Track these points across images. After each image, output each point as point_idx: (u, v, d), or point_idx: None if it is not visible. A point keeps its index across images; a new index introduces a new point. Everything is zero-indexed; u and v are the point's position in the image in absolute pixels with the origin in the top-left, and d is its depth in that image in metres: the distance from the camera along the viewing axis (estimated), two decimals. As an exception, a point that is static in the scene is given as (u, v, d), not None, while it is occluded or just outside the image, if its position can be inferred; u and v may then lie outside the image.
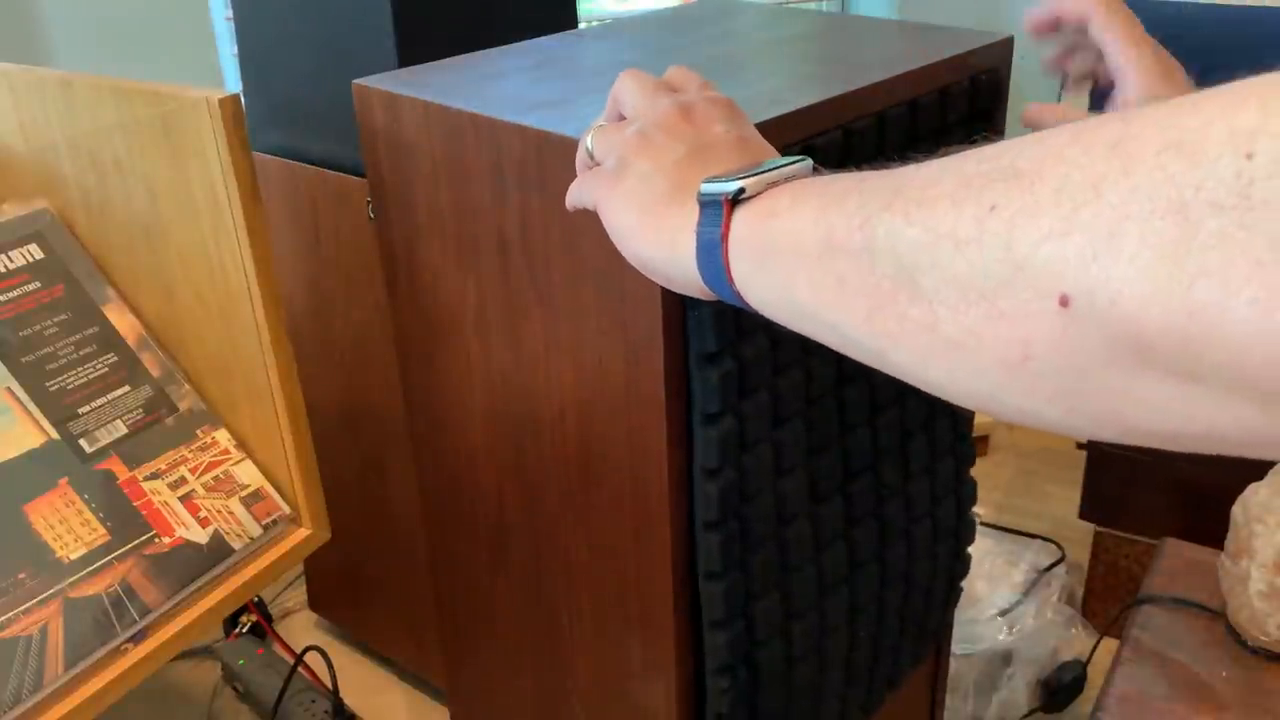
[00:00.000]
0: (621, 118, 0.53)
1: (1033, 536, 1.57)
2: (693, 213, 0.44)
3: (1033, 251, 0.29)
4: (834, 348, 0.40)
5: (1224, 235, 0.25)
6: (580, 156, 0.54)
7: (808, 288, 0.39)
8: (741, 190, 0.42)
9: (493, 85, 0.70)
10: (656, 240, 0.46)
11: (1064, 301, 0.29)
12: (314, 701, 1.07)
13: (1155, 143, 0.27)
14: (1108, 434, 0.32)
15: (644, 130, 0.49)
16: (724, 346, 0.62)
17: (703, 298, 0.45)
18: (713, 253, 0.42)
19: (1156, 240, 0.26)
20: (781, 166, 0.43)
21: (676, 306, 0.60)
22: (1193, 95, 0.28)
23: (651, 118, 0.49)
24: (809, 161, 0.44)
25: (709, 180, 0.43)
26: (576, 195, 0.53)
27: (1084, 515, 1.44)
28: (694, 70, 0.56)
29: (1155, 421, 0.29)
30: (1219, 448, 0.29)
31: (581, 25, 1.22)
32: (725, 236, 0.42)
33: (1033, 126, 0.72)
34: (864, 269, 0.36)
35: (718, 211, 0.42)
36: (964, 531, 0.93)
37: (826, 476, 0.73)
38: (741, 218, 0.42)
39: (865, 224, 0.36)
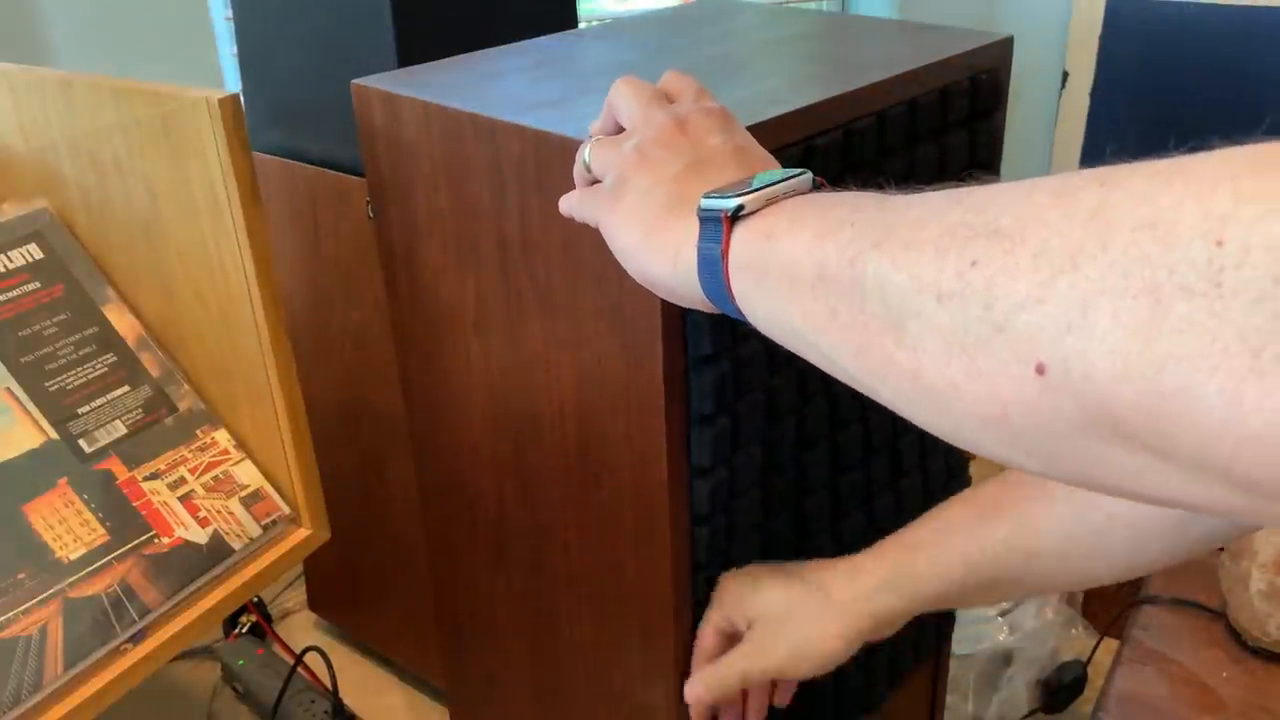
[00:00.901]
0: (617, 126, 0.53)
1: (1033, 536, 1.57)
2: (693, 227, 0.44)
3: (1012, 315, 0.29)
4: (828, 372, 0.40)
5: (1194, 321, 0.25)
6: (578, 169, 0.54)
7: (802, 315, 0.39)
8: (741, 207, 0.42)
9: (492, 85, 0.70)
10: (660, 256, 0.46)
11: (1040, 369, 0.29)
12: (314, 702, 1.07)
13: (1130, 218, 0.27)
14: (1090, 489, 0.32)
15: (640, 146, 0.49)
16: (719, 349, 0.62)
17: (709, 311, 0.45)
18: (714, 268, 0.42)
19: (1129, 319, 0.27)
20: (780, 181, 0.42)
21: (676, 307, 0.60)
22: (1169, 164, 0.28)
23: (647, 133, 0.49)
24: (808, 175, 0.43)
25: (709, 195, 0.43)
26: (579, 210, 0.54)
27: (1084, 515, 1.44)
28: (693, 71, 0.55)
29: (1132, 487, 0.29)
30: (1199, 512, 0.29)
31: (581, 25, 1.22)
32: (725, 254, 0.42)
33: None
34: (854, 306, 0.36)
35: (717, 228, 0.42)
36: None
37: (815, 472, 0.74)
38: (740, 236, 0.41)
39: (856, 260, 0.36)
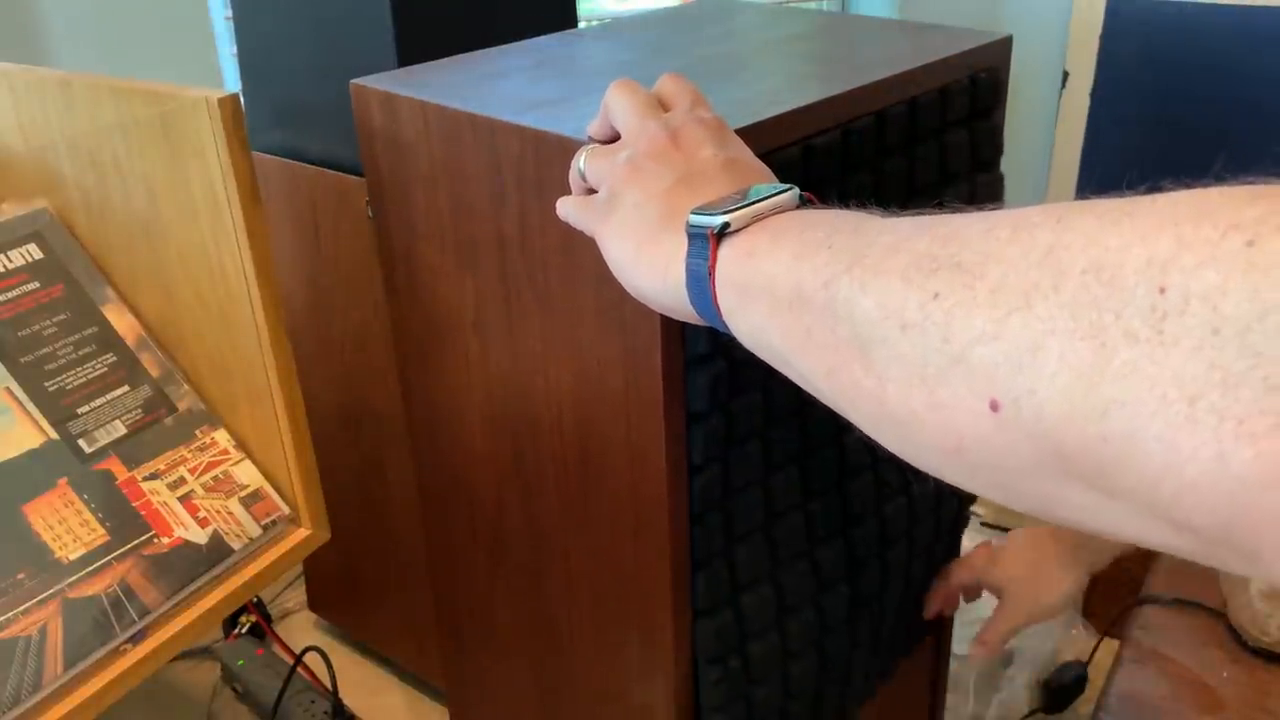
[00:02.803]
0: (613, 132, 0.54)
1: (1033, 536, 1.57)
2: (682, 242, 0.44)
3: (968, 348, 0.30)
4: (809, 392, 0.40)
5: (1136, 367, 0.25)
6: (573, 176, 0.54)
7: (781, 333, 0.39)
8: (727, 225, 0.42)
9: (491, 85, 0.70)
10: (650, 270, 0.46)
11: (994, 406, 0.29)
12: (313, 702, 1.07)
13: (1081, 260, 0.28)
14: (1050, 522, 0.33)
15: (633, 159, 0.49)
16: (716, 349, 0.62)
17: (699, 324, 0.46)
18: (701, 284, 0.43)
19: (1075, 361, 0.27)
20: (767, 198, 0.43)
21: (676, 306, 0.60)
22: (1119, 204, 0.28)
23: (640, 144, 0.49)
24: (795, 191, 0.44)
25: (696, 211, 0.43)
26: (575, 218, 0.54)
27: (1084, 515, 1.44)
28: (692, 71, 0.56)
29: (1089, 523, 0.30)
30: (1156, 549, 0.29)
31: (581, 25, 1.22)
32: (712, 271, 0.42)
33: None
34: (826, 328, 0.36)
35: (704, 244, 0.43)
36: (960, 526, 0.93)
37: (822, 473, 0.73)
38: (726, 253, 0.42)
39: (830, 283, 0.36)
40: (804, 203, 0.44)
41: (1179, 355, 0.24)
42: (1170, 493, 0.25)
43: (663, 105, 0.53)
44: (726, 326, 0.43)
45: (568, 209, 0.55)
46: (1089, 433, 0.26)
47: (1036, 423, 0.28)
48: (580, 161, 0.53)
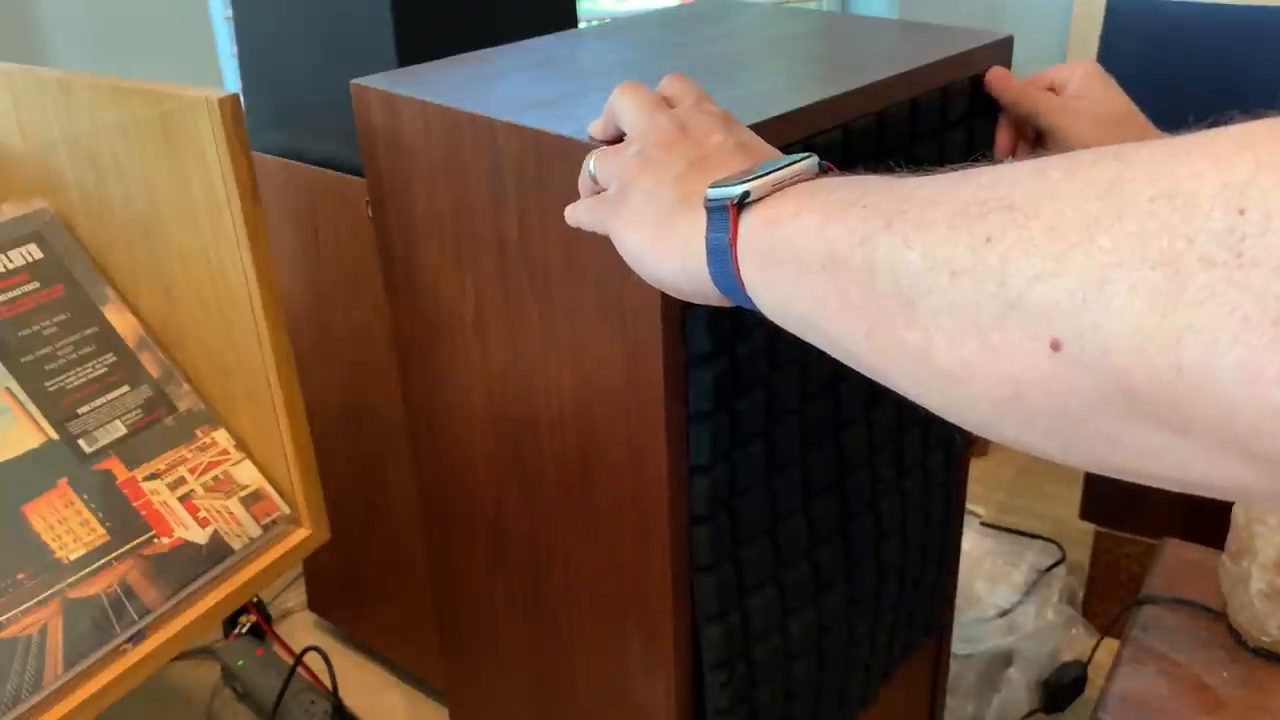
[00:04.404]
0: (619, 131, 0.54)
1: (1033, 537, 1.57)
2: (700, 220, 0.43)
3: (1026, 289, 0.29)
4: (841, 360, 0.39)
5: (1214, 291, 0.25)
6: (583, 180, 0.54)
7: (811, 299, 0.38)
8: (747, 194, 0.41)
9: (491, 85, 0.70)
10: (668, 254, 0.45)
11: (1055, 345, 0.28)
12: (314, 702, 1.07)
13: (1148, 190, 0.27)
14: (1106, 472, 0.31)
15: (643, 151, 0.48)
16: (718, 347, 0.62)
17: (721, 305, 0.45)
18: (722, 258, 0.42)
19: (1147, 291, 0.26)
20: (786, 166, 0.42)
21: (675, 307, 0.60)
22: (1186, 139, 0.27)
23: (649, 137, 0.49)
24: (814, 159, 0.43)
25: (715, 185, 0.42)
26: (585, 219, 0.53)
27: (1084, 515, 1.44)
28: (693, 70, 0.56)
29: (1150, 467, 0.29)
30: (1219, 496, 0.29)
31: (581, 25, 1.22)
32: (733, 243, 0.41)
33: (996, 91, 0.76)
34: (865, 287, 0.35)
35: (724, 217, 0.41)
36: (953, 520, 0.93)
37: (821, 472, 0.73)
38: (748, 223, 0.41)
39: (866, 240, 0.35)
40: (824, 171, 0.43)
41: (1260, 275, 0.24)
42: (1249, 422, 0.25)
43: (668, 104, 0.53)
44: (750, 301, 0.42)
45: (578, 213, 0.54)
46: (1160, 364, 0.26)
47: (1102, 358, 0.27)
48: (590, 164, 0.52)
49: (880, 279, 0.34)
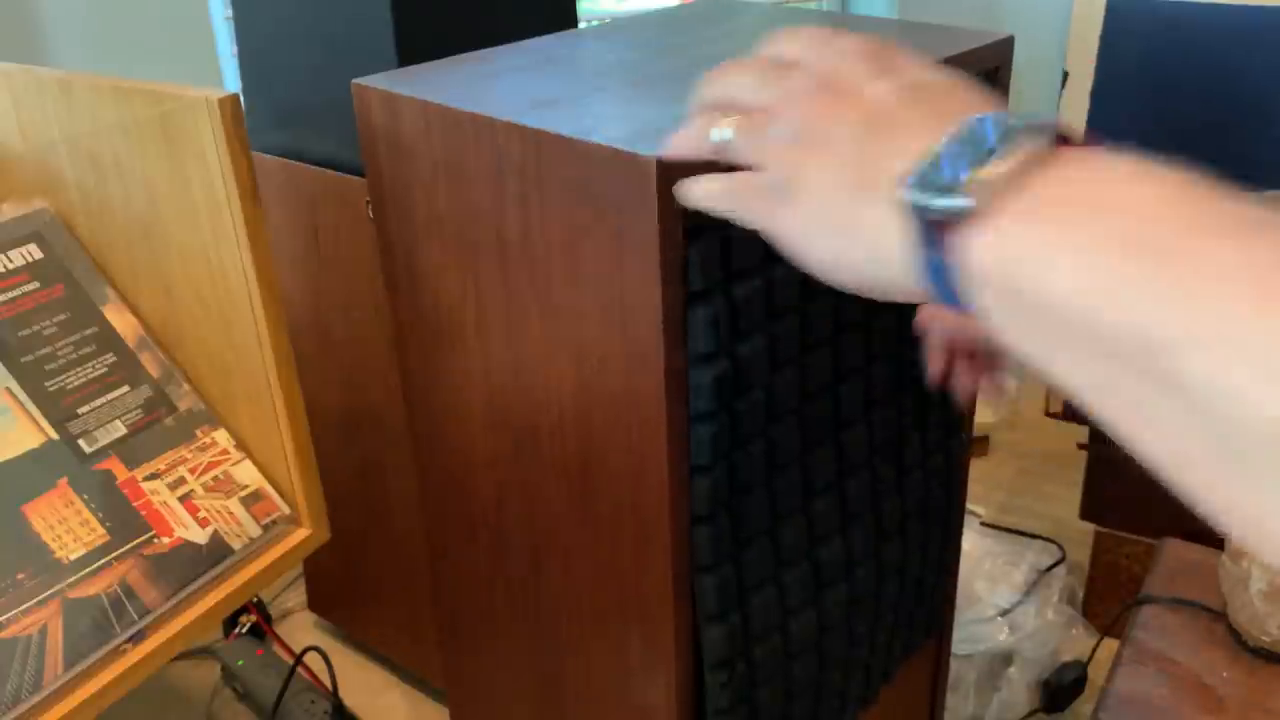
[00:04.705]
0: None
1: (1033, 537, 1.57)
2: (891, 215, 0.34)
3: None
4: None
5: None
6: (701, 143, 0.43)
7: (1084, 383, 0.29)
8: (963, 210, 0.31)
9: (492, 85, 0.70)
10: (868, 263, 0.36)
11: None
12: (314, 702, 1.07)
13: None
14: None
15: (791, 132, 0.38)
16: (719, 347, 0.62)
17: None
18: (940, 277, 0.33)
19: None
20: (1010, 147, 0.31)
21: (676, 307, 0.60)
22: None
23: (789, 111, 0.39)
24: (1051, 125, 0.31)
25: (914, 184, 0.33)
26: (727, 206, 0.43)
27: (1084, 515, 1.44)
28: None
29: None
30: None
31: (581, 25, 1.22)
32: (953, 261, 0.32)
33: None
34: (1161, 408, 0.26)
35: (933, 230, 0.32)
36: (954, 520, 0.93)
37: (822, 472, 0.73)
38: (974, 243, 0.31)
39: (1165, 351, 0.25)
40: (1061, 140, 0.31)
41: None
42: None
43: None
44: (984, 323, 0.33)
45: (712, 193, 0.43)
46: None
47: None
48: (724, 133, 0.41)
49: (1190, 414, 0.25)
